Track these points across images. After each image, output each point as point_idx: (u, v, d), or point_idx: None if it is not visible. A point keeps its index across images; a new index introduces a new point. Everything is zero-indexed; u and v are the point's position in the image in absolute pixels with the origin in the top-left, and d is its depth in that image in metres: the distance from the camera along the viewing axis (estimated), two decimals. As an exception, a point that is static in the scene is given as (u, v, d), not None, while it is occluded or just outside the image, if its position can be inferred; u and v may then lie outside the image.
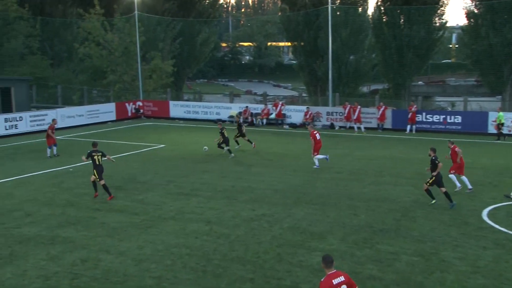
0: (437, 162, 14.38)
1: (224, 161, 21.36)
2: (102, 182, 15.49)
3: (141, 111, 37.03)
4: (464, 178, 16.07)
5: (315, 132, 19.96)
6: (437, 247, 11.61)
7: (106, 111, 34.58)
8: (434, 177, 14.37)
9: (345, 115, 31.40)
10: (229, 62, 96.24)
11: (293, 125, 32.73)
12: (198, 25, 48.45)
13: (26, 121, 28.88)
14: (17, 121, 28.35)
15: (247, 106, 34.62)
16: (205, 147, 23.16)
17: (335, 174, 18.80)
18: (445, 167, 15.16)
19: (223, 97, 47.06)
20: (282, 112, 33.19)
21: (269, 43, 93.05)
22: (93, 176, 15.65)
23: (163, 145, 25.49)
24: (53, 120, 24.02)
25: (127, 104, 36.58)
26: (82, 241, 11.97)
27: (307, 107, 33.22)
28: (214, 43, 52.97)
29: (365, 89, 49.46)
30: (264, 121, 33.33)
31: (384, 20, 37.27)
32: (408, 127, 29.78)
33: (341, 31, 37.58)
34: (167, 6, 46.45)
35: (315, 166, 19.68)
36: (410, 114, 29.74)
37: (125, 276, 10.10)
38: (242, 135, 23.89)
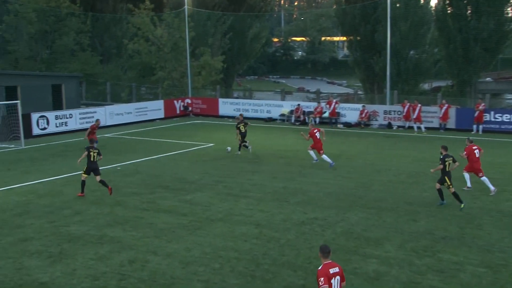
0: (446, 161, 14.45)
1: (275, 162, 21.34)
2: (98, 178, 16.05)
3: (190, 108, 37.63)
4: (466, 175, 16.30)
5: (315, 131, 20.21)
6: (507, 259, 11.11)
7: (155, 108, 35.38)
8: (444, 177, 14.44)
9: (404, 114, 30.66)
10: (281, 58, 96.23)
11: (347, 124, 32.30)
12: (249, 19, 48.74)
13: (76, 118, 30.01)
14: (67, 118, 29.51)
15: (299, 104, 34.47)
16: (228, 147, 23.30)
17: (393, 176, 18.38)
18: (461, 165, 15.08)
19: (274, 94, 47.10)
20: (336, 111, 32.81)
21: (323, 38, 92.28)
22: (83, 174, 16.14)
23: (211, 144, 25.78)
24: (97, 120, 24.82)
25: (175, 102, 37.28)
26: (129, 241, 12.29)
27: (363, 106, 32.68)
28: (265, 38, 53.18)
29: (426, 86, 48.09)
30: (317, 120, 33.06)
31: (449, 11, 36.08)
32: (475, 127, 28.71)
33: (401, 24, 36.71)
34: (218, 0, 47.00)
35: (313, 161, 20.41)
36: (477, 113, 28.65)
37: (173, 279, 10.28)
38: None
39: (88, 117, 30.75)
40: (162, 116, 35.65)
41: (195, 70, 42.10)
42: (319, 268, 7.53)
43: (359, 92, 43.09)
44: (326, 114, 33.04)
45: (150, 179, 18.39)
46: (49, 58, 47.16)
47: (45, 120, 28.40)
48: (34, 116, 27.96)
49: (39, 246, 11.84)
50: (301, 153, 23.24)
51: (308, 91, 55.48)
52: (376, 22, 38.55)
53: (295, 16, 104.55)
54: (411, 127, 30.13)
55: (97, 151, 16.39)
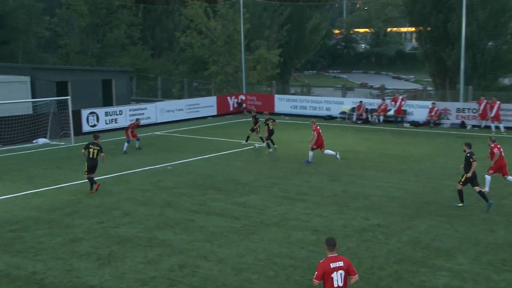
0: (471, 160, 14.68)
1: (334, 163, 21.15)
2: (86, 176, 16.73)
3: (244, 105, 37.88)
4: (488, 177, 16.36)
5: (318, 128, 21.12)
6: None
7: (207, 105, 35.87)
8: (466, 176, 14.66)
9: (480, 112, 29.59)
10: (342, 51, 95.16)
11: (415, 124, 31.53)
12: (308, 10, 48.50)
13: (126, 115, 30.89)
14: (117, 115, 30.44)
15: (361, 101, 34.00)
16: (256, 144, 23.66)
17: (467, 182, 17.75)
18: (484, 166, 15.17)
19: (335, 90, 46.65)
20: (402, 108, 32.13)
21: (388, 29, 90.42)
22: (85, 174, 16.84)
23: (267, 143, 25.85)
24: (137, 119, 25.53)
25: (228, 98, 37.64)
26: (180, 245, 12.51)
27: (433, 103, 31.82)
28: (325, 30, 52.72)
29: (506, 81, 46.17)
30: (381, 118, 32.50)
31: (536, -3, 34.46)
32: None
33: (478, 13, 35.38)
34: (274, -11, 47.10)
35: (306, 160, 20.98)
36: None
37: (224, 286, 10.38)
38: (253, 130, 24.75)
39: (138, 114, 31.55)
40: (215, 113, 36.09)
41: (249, 65, 42.34)
42: (321, 260, 7.94)
43: (429, 88, 41.96)
44: (391, 112, 32.43)
45: (202, 180, 18.66)
46: (99, 52, 48.87)
47: (95, 117, 29.41)
48: (84, 113, 29.01)
49: (88, 248, 12.28)
50: (362, 154, 22.90)
51: (371, 87, 54.66)
52: (449, 11, 37.35)
53: (358, 5, 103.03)
54: (488, 127, 29.04)
55: (98, 148, 16.96)
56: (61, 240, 12.73)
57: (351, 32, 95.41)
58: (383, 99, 34.04)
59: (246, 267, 11.26)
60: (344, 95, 38.41)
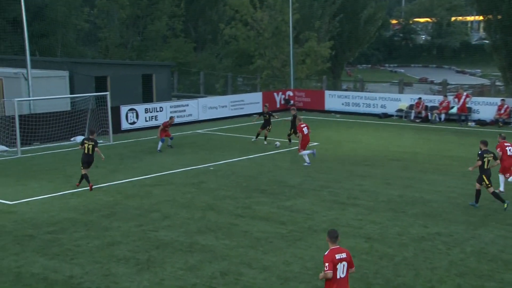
0: (484, 158, 15.11)
1: (389, 165, 20.88)
2: (83, 171, 17.48)
3: (292, 102, 37.84)
4: (501, 177, 16.63)
5: (302, 126, 21.09)
6: None
7: (252, 101, 36.02)
8: (481, 175, 15.10)
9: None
10: (400, 43, 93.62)
11: (481, 122, 30.74)
12: (363, -2, 48.06)
13: (167, 112, 31.37)
14: (157, 111, 30.94)
15: (420, 98, 33.42)
16: (276, 142, 24.00)
17: (540, 188, 17.20)
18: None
19: (391, 86, 46.00)
20: (467, 106, 31.41)
21: (453, 18, 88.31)
22: (81, 168, 17.65)
23: (316, 143, 25.74)
24: (171, 117, 25.91)
25: (275, 94, 37.69)
26: (222, 250, 12.63)
27: (502, 100, 30.94)
28: (381, 20, 52.05)
29: None
30: (443, 116, 31.88)
31: None
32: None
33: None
34: (326, -23, 46.83)
35: (305, 164, 20.84)
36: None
37: (269, 296, 10.39)
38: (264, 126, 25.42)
39: (180, 111, 32.01)
40: (260, 110, 36.13)
41: (298, 58, 42.25)
42: (325, 253, 8.50)
43: (498, 83, 40.72)
44: (454, 110, 31.79)
45: (246, 182, 18.76)
46: (140, 45, 49.83)
47: (134, 114, 29.99)
48: (123, 109, 29.61)
49: (127, 252, 12.55)
50: (421, 156, 22.51)
51: (432, 82, 53.63)
52: (522, -3, 36.17)
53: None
54: None
55: (93, 143, 17.71)
56: (98, 243, 13.06)
57: (410, 22, 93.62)
58: (445, 96, 33.40)
59: (292, 276, 11.24)
60: (401, 91, 37.81)
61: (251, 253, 12.46)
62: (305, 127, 21.18)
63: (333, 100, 36.58)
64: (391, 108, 34.25)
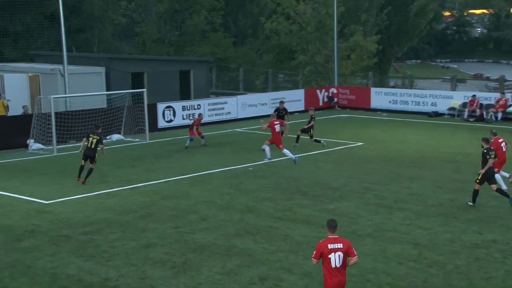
0: (487, 156, 15.42)
1: (440, 167, 20.57)
2: (91, 165, 18.59)
3: (335, 99, 37.67)
4: (497, 176, 16.77)
5: (276, 123, 21.52)
6: None
7: (294, 99, 35.97)
8: (482, 174, 15.41)
9: None
10: (453, 36, 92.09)
11: (541, 122, 29.94)
12: (413, -11, 47.48)
13: (204, 109, 31.64)
14: (195, 109, 31.25)
15: (474, 95, 32.79)
16: (295, 143, 24.25)
17: None
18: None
19: (442, 83, 45.34)
20: (527, 104, 30.70)
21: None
22: (83, 161, 18.61)
23: (361, 143, 25.58)
24: (199, 115, 26.10)
25: (318, 91, 37.57)
26: (261, 255, 12.67)
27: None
28: (433, 12, 51.27)
29: None
30: (499, 115, 31.21)
31: None
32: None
33: None
34: (374, -34, 46.43)
35: (265, 160, 21.52)
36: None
37: (310, 303, 10.39)
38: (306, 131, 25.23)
39: (218, 109, 32.25)
40: (302, 108, 36.10)
41: (343, 53, 42.02)
42: (321, 241, 9.12)
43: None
44: (512, 109, 31.13)
45: (287, 183, 18.78)
46: (177, 40, 50.43)
47: (171, 111, 30.35)
48: (160, 107, 30.01)
49: (163, 254, 12.74)
50: (475, 157, 22.04)
51: (488, 79, 52.56)
52: None
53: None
54: None
55: (97, 138, 18.50)
56: (134, 245, 13.30)
57: (465, 13, 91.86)
58: (503, 93, 32.71)
59: (335, 283, 11.21)
60: (453, 88, 37.18)
61: (291, 258, 12.46)
62: (278, 125, 21.65)
63: (380, 97, 36.23)
64: (442, 106, 33.71)
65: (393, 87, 43.69)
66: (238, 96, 34.61)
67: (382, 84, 43.62)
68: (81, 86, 29.68)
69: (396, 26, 47.65)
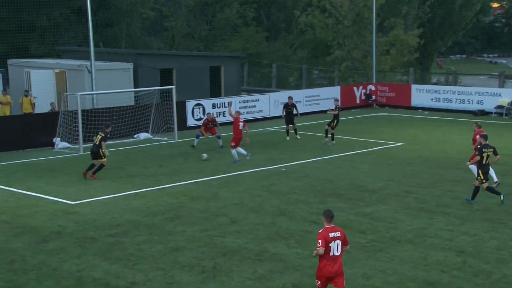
0: (477, 153, 16.15)
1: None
2: (96, 162, 19.49)
3: (373, 97, 37.42)
4: (472, 167, 17.52)
5: (240, 121, 21.91)
6: None
7: (329, 96, 35.76)
8: (478, 170, 16.03)
9: None
10: (502, 29, 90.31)
11: None
12: (459, -21, 46.84)
13: (235, 107, 31.69)
14: (225, 107, 31.31)
15: (523, 92, 32.22)
16: (203, 154, 22.83)
17: None
18: None
19: (489, 79, 44.63)
20: None
21: None
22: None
23: (400, 143, 25.37)
24: (208, 114, 25.96)
25: (355, 88, 37.36)
26: (294, 260, 12.67)
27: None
28: (480, 3, 50.42)
29: None
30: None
31: None
32: None
33: None
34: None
35: (234, 161, 21.78)
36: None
37: (345, 312, 10.36)
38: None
39: (249, 106, 32.30)
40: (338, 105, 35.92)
41: (382, 48, 41.72)
42: (320, 231, 9.78)
43: None
44: None
45: (321, 185, 18.73)
46: (208, 35, 50.69)
47: (201, 109, 30.51)
48: (190, 104, 30.21)
49: (191, 258, 12.83)
50: (524, 160, 21.68)
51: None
52: None
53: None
54: None
55: (103, 135, 19.52)
56: (162, 248, 13.43)
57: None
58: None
59: (374, 291, 11.17)
60: (502, 85, 36.60)
61: (326, 264, 12.44)
62: (242, 122, 22.12)
63: (421, 95, 35.87)
64: (489, 105, 33.22)
65: (436, 84, 43.16)
66: (271, 93, 34.61)
67: (423, 80, 43.11)
68: (108, 83, 30.04)
69: (440, 19, 47.01)
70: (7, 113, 28.53)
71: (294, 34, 53.23)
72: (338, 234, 9.78)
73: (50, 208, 16.62)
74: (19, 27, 40.59)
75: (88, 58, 29.26)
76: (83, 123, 24.97)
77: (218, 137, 24.98)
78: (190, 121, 30.09)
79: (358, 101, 36.98)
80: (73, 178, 20.14)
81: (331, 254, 9.66)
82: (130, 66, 32.59)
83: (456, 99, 34.56)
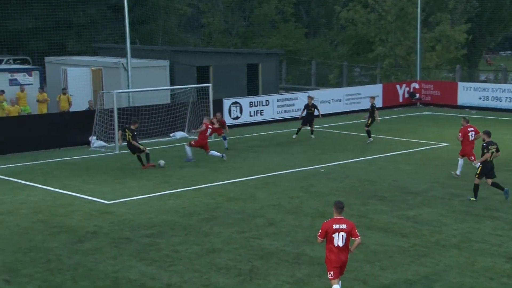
0: (485, 150, 16.55)
1: (537, 172, 19.86)
2: (144, 152, 21.04)
3: (417, 95, 37.03)
4: (460, 161, 19.22)
5: (209, 126, 22.67)
6: None
7: (371, 95, 35.43)
8: (480, 167, 16.61)
9: None
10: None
11: None
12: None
13: (273, 106, 31.77)
14: (262, 105, 31.43)
15: None
16: (160, 161, 22.03)
17: None
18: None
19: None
20: None
21: None
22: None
23: (445, 144, 25.08)
24: (217, 114, 25.62)
25: (398, 86, 37.02)
26: (333, 263, 12.62)
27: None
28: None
29: None
30: None
31: None
32: None
33: None
34: None
35: (185, 160, 22.50)
36: None
37: (387, 319, 10.30)
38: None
39: (288, 105, 32.26)
40: (380, 105, 35.61)
41: (427, 45, 41.24)
42: (326, 220, 10.43)
43: None
44: None
45: (362, 186, 18.64)
46: (245, 31, 50.82)
47: (238, 108, 30.62)
48: (226, 103, 30.34)
49: (228, 261, 12.90)
50: None
51: None
52: None
53: None
54: None
55: (131, 134, 20.88)
56: (198, 250, 13.53)
57: None
58: None
59: (415, 297, 11.07)
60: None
61: (366, 268, 12.37)
62: (211, 128, 22.94)
63: (468, 93, 35.35)
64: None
65: (484, 81, 42.49)
66: (310, 92, 34.52)
67: (471, 78, 42.48)
68: (145, 81, 30.34)
69: (489, 13, 46.22)
70: (44, 111, 29.12)
71: (335, 30, 53.01)
72: (343, 226, 10.23)
73: (86, 208, 16.91)
74: (56, 24, 41.37)
75: (124, 55, 29.63)
76: (119, 122, 25.26)
77: (224, 138, 24.91)
78: (227, 120, 30.08)
79: (401, 100, 36.64)
80: (108, 177, 20.44)
81: (336, 245, 10.22)
82: (166, 63, 32.87)
83: (506, 97, 33.99)
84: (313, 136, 26.89)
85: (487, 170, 16.71)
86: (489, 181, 16.80)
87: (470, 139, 19.06)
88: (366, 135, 25.87)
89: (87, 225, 15.40)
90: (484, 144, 16.78)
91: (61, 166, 22.30)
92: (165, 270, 12.47)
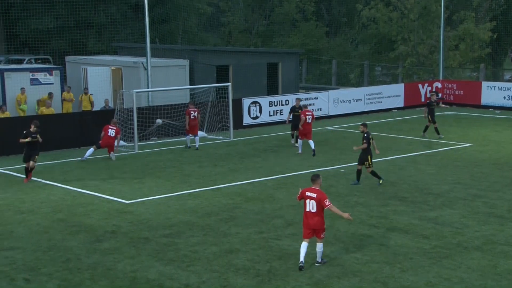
0: (364, 140, 18.53)
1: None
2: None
3: (440, 95, 36.73)
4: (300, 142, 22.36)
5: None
6: None
7: (392, 94, 35.43)
8: (367, 156, 18.62)
9: None
10: None
11: None
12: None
13: (292, 105, 31.66)
14: (282, 105, 31.39)
15: None
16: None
17: None
18: None
19: None
20: None
21: None
22: None
23: (468, 144, 24.89)
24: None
25: (420, 86, 36.78)
26: (353, 265, 12.61)
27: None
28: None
29: None
30: None
31: None
32: None
33: None
34: None
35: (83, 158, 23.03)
36: None
37: (407, 321, 10.25)
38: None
39: (308, 104, 32.06)
40: (402, 104, 35.51)
41: (450, 43, 40.93)
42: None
43: None
44: None
45: (382, 187, 18.57)
46: (265, 30, 50.84)
47: (258, 107, 30.63)
48: (246, 102, 30.35)
49: (246, 261, 12.93)
50: None
51: None
52: None
53: None
54: None
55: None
56: (216, 250, 13.58)
57: None
58: None
59: (435, 300, 11.01)
60: None
61: (386, 270, 12.33)
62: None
63: (493, 93, 35.02)
64: None
65: (509, 81, 42.03)
66: (330, 91, 34.46)
67: (495, 77, 42.10)
68: (164, 80, 30.51)
69: (515, 11, 45.77)
70: (70, 110, 29.34)
71: (356, 29, 52.83)
72: (313, 195, 12.18)
73: (105, 207, 17.05)
74: (77, 23, 41.76)
75: (144, 54, 29.78)
76: (138, 121, 25.41)
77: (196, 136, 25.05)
78: (246, 120, 30.24)
79: (423, 99, 36.33)
80: (128, 177, 20.58)
81: (307, 209, 12.26)
82: (186, 62, 33.00)
83: (531, 97, 33.65)
84: (293, 141, 25.14)
85: (361, 157, 18.65)
86: (359, 167, 18.76)
87: (307, 121, 22.63)
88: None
89: (105, 224, 15.52)
90: (365, 135, 18.56)
91: (81, 166, 22.51)
92: (183, 270, 12.53)
